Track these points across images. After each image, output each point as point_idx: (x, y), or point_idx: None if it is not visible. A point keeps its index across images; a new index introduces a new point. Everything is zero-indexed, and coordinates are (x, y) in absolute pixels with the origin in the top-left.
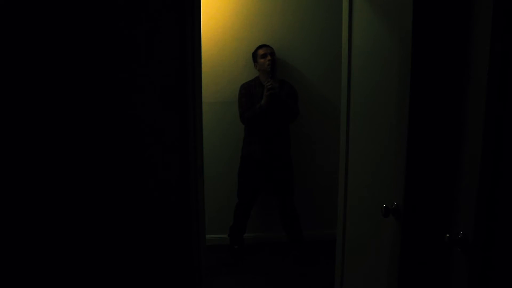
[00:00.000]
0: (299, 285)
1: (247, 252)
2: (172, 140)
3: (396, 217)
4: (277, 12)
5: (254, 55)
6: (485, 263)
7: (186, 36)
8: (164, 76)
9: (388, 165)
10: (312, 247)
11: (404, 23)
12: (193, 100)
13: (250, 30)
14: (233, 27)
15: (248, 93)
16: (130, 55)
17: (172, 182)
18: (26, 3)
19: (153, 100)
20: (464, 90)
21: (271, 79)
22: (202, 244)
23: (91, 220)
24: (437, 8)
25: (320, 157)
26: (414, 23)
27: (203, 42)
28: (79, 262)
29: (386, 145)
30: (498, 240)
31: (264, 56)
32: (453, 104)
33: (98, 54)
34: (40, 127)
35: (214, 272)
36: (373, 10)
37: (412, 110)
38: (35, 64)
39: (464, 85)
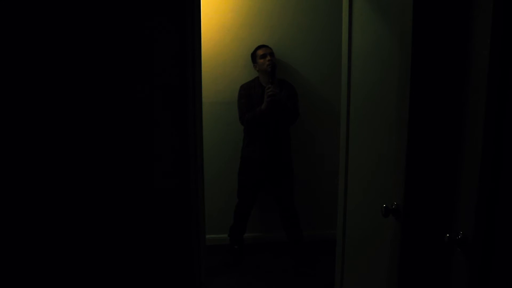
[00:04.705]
0: (299, 285)
1: (247, 252)
2: (172, 140)
3: (396, 217)
4: (277, 12)
5: (253, 55)
6: (485, 263)
7: (187, 38)
8: (165, 77)
9: (388, 165)
10: (312, 247)
11: (404, 23)
12: (193, 100)
13: (250, 30)
14: (233, 27)
15: (248, 94)
16: (132, 56)
17: (172, 182)
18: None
19: (153, 100)
20: (464, 89)
21: (271, 85)
22: (202, 244)
23: (91, 219)
24: (437, 8)
25: (320, 157)
26: (414, 23)
27: (203, 42)
28: (78, 262)
29: (386, 145)
30: (498, 240)
31: (264, 57)
32: (453, 104)
33: (102, 56)
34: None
35: (214, 272)
36: (373, 10)
37: (412, 110)
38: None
39: (464, 84)
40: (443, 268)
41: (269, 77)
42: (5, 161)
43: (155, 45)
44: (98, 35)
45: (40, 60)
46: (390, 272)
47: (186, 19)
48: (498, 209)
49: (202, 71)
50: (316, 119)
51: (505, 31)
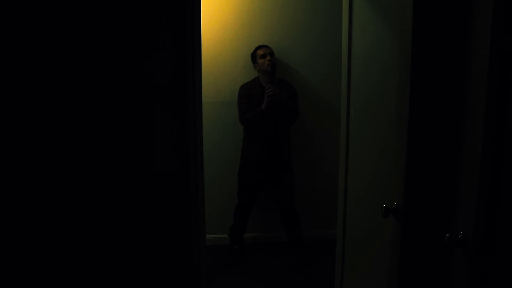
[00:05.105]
0: (299, 285)
1: (247, 252)
2: (172, 140)
3: (396, 217)
4: (277, 12)
5: (253, 55)
6: (485, 263)
7: (186, 37)
8: (165, 77)
9: (388, 165)
10: (312, 247)
11: (404, 23)
12: (193, 100)
13: (250, 30)
14: (233, 27)
15: (248, 94)
16: (132, 56)
17: (172, 182)
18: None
19: (153, 100)
20: (464, 89)
21: (271, 85)
22: (202, 244)
23: (91, 219)
24: (437, 8)
25: (320, 157)
26: (414, 23)
27: (203, 42)
28: (78, 262)
29: (386, 145)
30: (498, 240)
31: (264, 57)
32: (453, 104)
33: (102, 56)
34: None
35: (214, 272)
36: (373, 10)
37: (412, 110)
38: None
39: (464, 84)
40: (443, 268)
41: (269, 77)
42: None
43: (154, 45)
44: (98, 35)
45: (40, 52)
46: (390, 272)
47: (186, 19)
48: (498, 209)
49: (202, 71)
50: (316, 119)
51: (505, 31)
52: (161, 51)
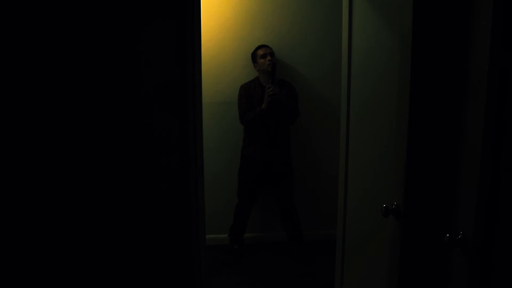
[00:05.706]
0: (299, 285)
1: (247, 252)
2: (172, 140)
3: (396, 217)
4: (277, 12)
5: (253, 55)
6: (485, 263)
7: (186, 37)
8: (165, 76)
9: (388, 165)
10: (312, 247)
11: (404, 23)
12: (193, 101)
13: (250, 30)
14: (233, 27)
15: (248, 94)
16: (132, 56)
17: (172, 183)
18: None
19: (153, 100)
20: (464, 89)
21: (271, 84)
22: (202, 244)
23: (91, 219)
24: (437, 8)
25: (320, 157)
26: (414, 22)
27: (203, 42)
28: (78, 262)
29: (386, 145)
30: (498, 240)
31: (264, 56)
32: (453, 104)
33: (101, 57)
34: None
35: (214, 272)
36: (373, 9)
37: (412, 110)
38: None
39: (464, 84)
40: (443, 268)
41: (269, 77)
42: (8, 162)
43: (155, 45)
44: (97, 37)
45: (43, 59)
46: (390, 272)
47: (186, 19)
48: (498, 209)
49: (202, 71)
50: (316, 119)
51: (505, 30)
52: (160, 51)
